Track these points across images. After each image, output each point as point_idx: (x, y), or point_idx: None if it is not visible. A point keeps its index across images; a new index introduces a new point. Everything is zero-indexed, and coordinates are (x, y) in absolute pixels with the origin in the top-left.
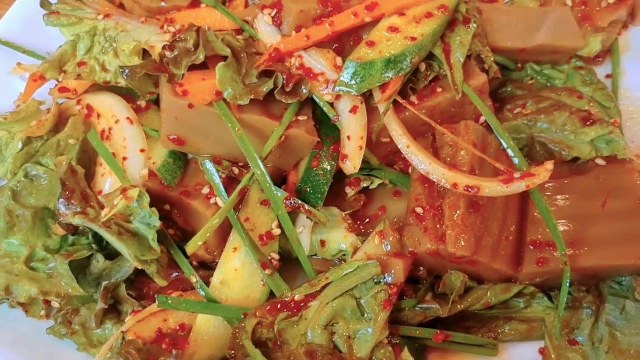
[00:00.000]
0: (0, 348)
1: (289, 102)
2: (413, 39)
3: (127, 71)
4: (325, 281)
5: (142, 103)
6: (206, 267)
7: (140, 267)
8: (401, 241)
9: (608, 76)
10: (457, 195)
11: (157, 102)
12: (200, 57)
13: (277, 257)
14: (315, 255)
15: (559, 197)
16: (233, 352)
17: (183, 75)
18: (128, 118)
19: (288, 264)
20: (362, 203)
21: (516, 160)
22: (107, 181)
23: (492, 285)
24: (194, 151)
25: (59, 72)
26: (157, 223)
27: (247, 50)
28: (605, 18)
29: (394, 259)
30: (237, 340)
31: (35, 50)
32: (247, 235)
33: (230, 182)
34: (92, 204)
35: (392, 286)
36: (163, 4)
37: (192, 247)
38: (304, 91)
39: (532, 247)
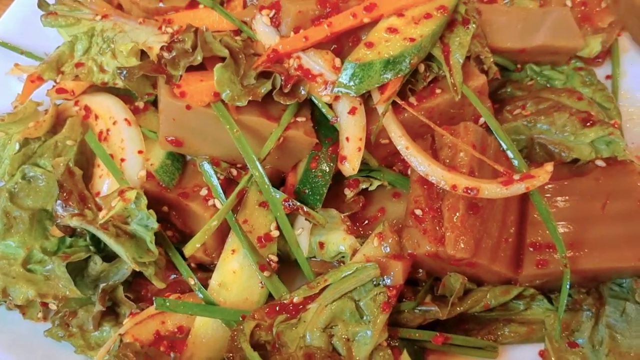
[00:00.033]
0: None
1: (287, 103)
2: (412, 39)
3: (124, 72)
4: (323, 283)
5: (140, 104)
6: (204, 269)
7: (137, 269)
8: (400, 243)
9: (608, 77)
10: (456, 197)
11: (155, 103)
12: (198, 58)
13: (275, 258)
14: (314, 257)
15: (558, 198)
16: (231, 354)
17: (181, 76)
18: (126, 119)
19: (286, 266)
20: (360, 204)
21: (515, 162)
22: (104, 182)
23: (491, 287)
24: (192, 152)
25: (57, 73)
26: (155, 225)
27: (245, 51)
28: (605, 18)
29: (393, 260)
30: (235, 343)
31: (33, 51)
32: (246, 237)
33: (228, 184)
34: (89, 205)
35: (391, 288)
36: (161, 4)
37: (190, 248)
38: (302, 92)
39: (531, 249)
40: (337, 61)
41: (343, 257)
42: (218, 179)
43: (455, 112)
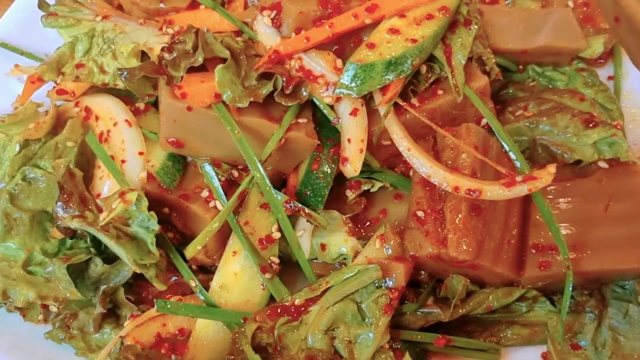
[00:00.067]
0: None
1: (289, 104)
2: (414, 40)
3: (125, 73)
4: (325, 285)
5: (141, 105)
6: (205, 271)
7: (138, 271)
8: (402, 245)
9: (610, 78)
10: (458, 199)
11: (155, 104)
12: (199, 59)
13: (276, 260)
14: (316, 259)
15: (561, 200)
16: (232, 357)
17: (182, 77)
18: (126, 120)
19: (288, 268)
20: (362, 206)
21: (518, 163)
22: (105, 184)
23: (493, 289)
24: (193, 154)
25: (57, 73)
26: (156, 226)
27: (246, 52)
28: (607, 19)
29: (395, 262)
30: (237, 345)
31: (33, 51)
32: (247, 238)
33: (229, 185)
34: (90, 207)
35: (393, 290)
36: (162, 5)
37: (191, 251)
38: (304, 93)
39: (534, 251)
40: (339, 62)
41: (345, 258)
42: (219, 180)
43: (457, 113)
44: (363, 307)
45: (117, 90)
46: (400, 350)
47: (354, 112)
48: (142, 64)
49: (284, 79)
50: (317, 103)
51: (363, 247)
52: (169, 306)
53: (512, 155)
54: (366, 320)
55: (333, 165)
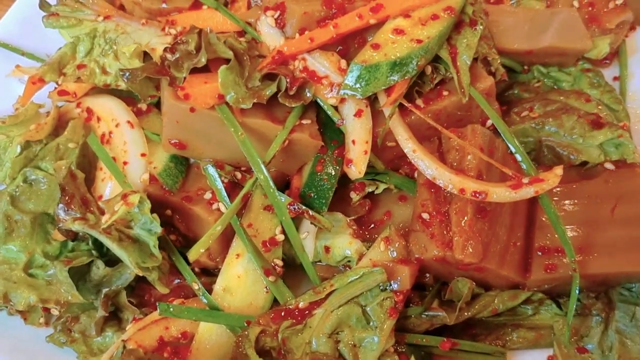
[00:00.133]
0: None
1: (293, 105)
2: (419, 41)
3: (127, 74)
4: (329, 288)
5: (143, 106)
6: (208, 274)
7: (141, 274)
8: (407, 247)
9: (615, 78)
10: (464, 201)
11: (158, 105)
12: (202, 60)
13: (280, 263)
14: (320, 261)
15: (567, 201)
16: None
17: (184, 78)
18: (128, 121)
19: (292, 271)
20: (367, 208)
21: (524, 165)
22: (107, 186)
23: (499, 291)
24: (196, 155)
25: (58, 74)
26: (158, 229)
27: (249, 52)
28: (613, 19)
29: (400, 265)
30: (240, 349)
31: (34, 52)
32: (250, 241)
33: (232, 187)
34: (92, 209)
35: (398, 293)
36: (164, 5)
37: (194, 253)
38: (308, 94)
39: (540, 253)
40: (343, 63)
41: (349, 261)
42: (222, 182)
43: (463, 114)
44: (368, 310)
45: (119, 91)
46: (405, 353)
47: (358, 113)
48: (145, 65)
49: (288, 80)
50: (321, 104)
51: (367, 249)
52: (171, 309)
53: (518, 157)
54: (371, 323)
55: (337, 167)
